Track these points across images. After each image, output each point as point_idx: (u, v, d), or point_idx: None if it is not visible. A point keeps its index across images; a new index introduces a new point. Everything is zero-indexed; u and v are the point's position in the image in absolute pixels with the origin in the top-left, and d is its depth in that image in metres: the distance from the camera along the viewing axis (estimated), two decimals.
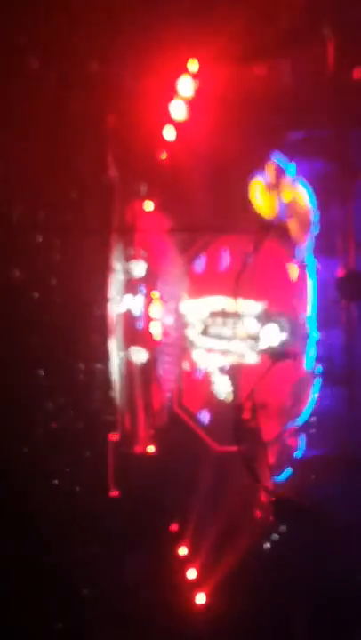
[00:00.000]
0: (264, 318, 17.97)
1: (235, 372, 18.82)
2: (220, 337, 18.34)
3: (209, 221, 17.90)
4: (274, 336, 17.82)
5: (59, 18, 16.76)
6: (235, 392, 18.46)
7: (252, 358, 18.22)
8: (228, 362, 18.80)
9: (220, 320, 18.32)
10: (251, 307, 17.95)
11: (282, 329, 17.79)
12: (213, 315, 18.38)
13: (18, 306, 17.15)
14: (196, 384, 18.94)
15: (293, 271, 18.41)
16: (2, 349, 16.65)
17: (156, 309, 17.78)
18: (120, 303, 17.52)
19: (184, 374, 18.81)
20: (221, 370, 18.76)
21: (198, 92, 17.91)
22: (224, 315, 18.31)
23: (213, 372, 18.47)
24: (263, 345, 17.45)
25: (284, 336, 17.76)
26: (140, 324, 17.72)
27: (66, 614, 16.44)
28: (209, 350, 18.54)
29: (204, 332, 18.43)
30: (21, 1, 16.87)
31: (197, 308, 18.42)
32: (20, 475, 16.59)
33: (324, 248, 18.36)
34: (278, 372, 16.51)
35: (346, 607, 16.10)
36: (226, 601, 16.78)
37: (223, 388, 18.36)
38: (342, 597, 16.19)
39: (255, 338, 17.68)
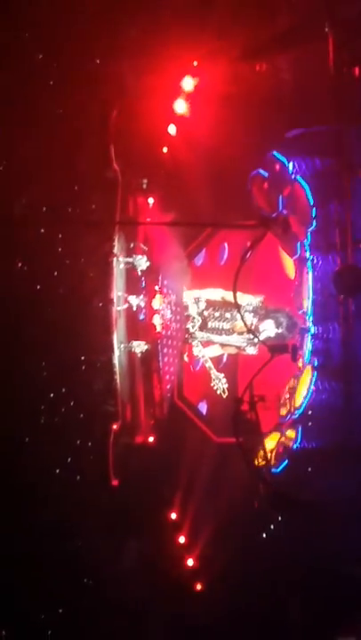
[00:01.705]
0: (261, 312, 18.23)
1: (233, 365, 19.09)
2: (218, 331, 18.58)
3: (210, 216, 18.08)
4: (271, 330, 18.09)
5: (63, 15, 16.83)
6: (233, 385, 18.71)
7: (249, 351, 18.49)
8: (225, 354, 19.07)
9: (218, 314, 18.55)
10: (249, 301, 18.19)
11: (279, 323, 18.05)
12: (211, 308, 18.61)
13: (20, 297, 17.16)
14: (196, 376, 19.16)
15: (290, 266, 18.69)
16: (4, 340, 16.68)
17: (157, 302, 17.94)
18: (122, 296, 17.63)
19: (184, 366, 19.02)
20: (219, 363, 19.01)
21: (199, 88, 18.06)
22: (222, 308, 18.54)
23: (211, 366, 18.73)
24: (261, 338, 17.68)
25: (281, 330, 18.03)
26: (142, 317, 17.86)
27: (67, 601, 16.61)
28: (208, 343, 18.79)
29: (203, 326, 18.66)
30: None
31: (196, 302, 18.67)
32: (21, 464, 16.64)
33: (322, 243, 18.65)
34: (276, 365, 16.71)
35: (341, 594, 16.45)
36: (224, 587, 17.04)
37: (220, 384, 18.60)
38: (337, 585, 16.53)
39: (253, 331, 17.92)
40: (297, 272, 18.56)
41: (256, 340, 17.87)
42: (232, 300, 17.63)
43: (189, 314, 18.58)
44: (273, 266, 18.81)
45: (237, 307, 17.17)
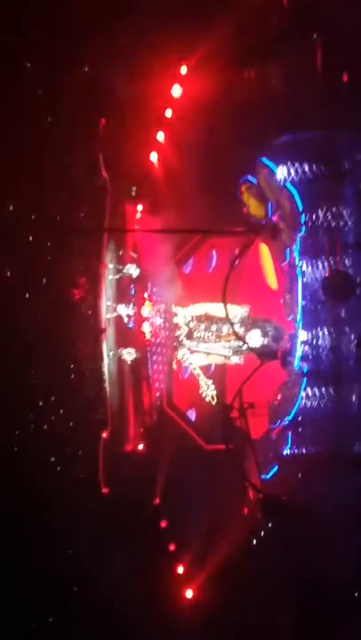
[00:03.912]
0: (248, 322, 18.23)
1: (220, 373, 19.11)
2: (204, 339, 18.59)
3: (199, 223, 18.10)
4: (257, 339, 18.08)
5: (52, 22, 16.85)
6: (222, 392, 18.73)
7: (234, 360, 18.50)
8: (212, 363, 19.09)
9: (203, 326, 18.54)
10: (235, 312, 18.20)
11: (266, 332, 18.05)
12: (198, 319, 18.62)
13: (9, 305, 17.17)
14: (185, 383, 19.16)
15: (271, 275, 18.71)
16: None
17: (146, 310, 17.96)
18: (111, 304, 17.64)
19: (173, 374, 19.03)
20: (207, 371, 19.02)
21: (188, 96, 18.08)
22: (208, 318, 18.56)
23: (200, 373, 18.74)
24: (248, 347, 17.68)
25: (267, 339, 18.03)
26: (131, 325, 17.87)
27: (56, 609, 16.62)
28: (194, 351, 18.80)
29: (190, 335, 18.66)
30: (15, 4, 16.92)
31: (184, 312, 18.69)
32: (10, 472, 16.63)
33: (311, 249, 18.65)
34: (266, 372, 16.73)
35: (331, 601, 16.44)
36: (214, 595, 17.04)
37: (209, 391, 18.62)
38: (327, 591, 16.52)
39: (242, 338, 17.92)
40: (286, 278, 18.56)
41: (245, 347, 17.87)
42: (216, 313, 17.73)
43: (177, 322, 18.58)
44: (258, 275, 18.85)
45: (226, 314, 17.14)
